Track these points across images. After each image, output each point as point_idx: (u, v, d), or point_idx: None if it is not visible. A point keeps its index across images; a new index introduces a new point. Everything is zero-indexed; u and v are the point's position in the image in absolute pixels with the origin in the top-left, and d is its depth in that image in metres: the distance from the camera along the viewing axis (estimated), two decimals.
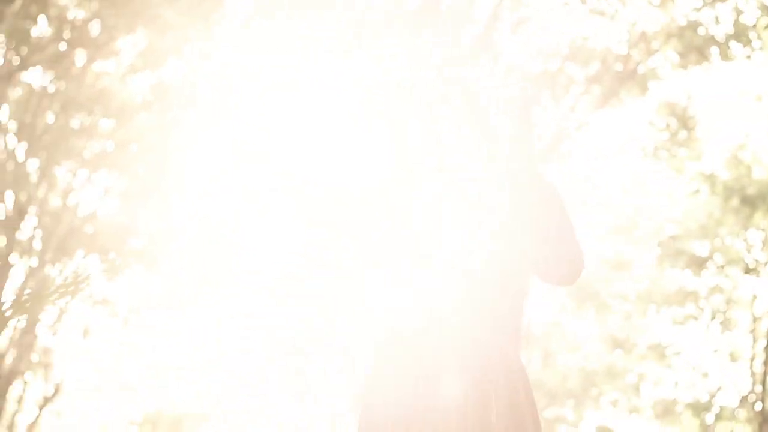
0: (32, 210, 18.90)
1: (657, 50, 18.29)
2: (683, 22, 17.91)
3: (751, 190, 21.15)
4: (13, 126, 18.44)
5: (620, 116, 20.81)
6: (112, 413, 31.12)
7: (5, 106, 18.35)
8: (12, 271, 18.67)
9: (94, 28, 16.88)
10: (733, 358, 23.90)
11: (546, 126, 19.06)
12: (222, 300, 25.41)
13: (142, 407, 31.52)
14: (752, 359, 23.24)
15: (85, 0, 16.81)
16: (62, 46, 16.84)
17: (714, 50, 17.90)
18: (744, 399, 23.32)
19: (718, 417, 23.87)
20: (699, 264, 22.83)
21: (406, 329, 3.41)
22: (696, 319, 24.22)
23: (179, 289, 24.62)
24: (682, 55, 18.21)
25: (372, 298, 3.54)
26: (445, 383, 3.28)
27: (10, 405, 21.67)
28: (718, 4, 17.72)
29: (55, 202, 19.87)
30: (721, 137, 21.51)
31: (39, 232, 19.31)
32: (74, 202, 19.78)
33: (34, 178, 18.70)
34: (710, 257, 22.78)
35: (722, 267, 22.90)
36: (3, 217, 18.62)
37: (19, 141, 18.30)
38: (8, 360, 19.58)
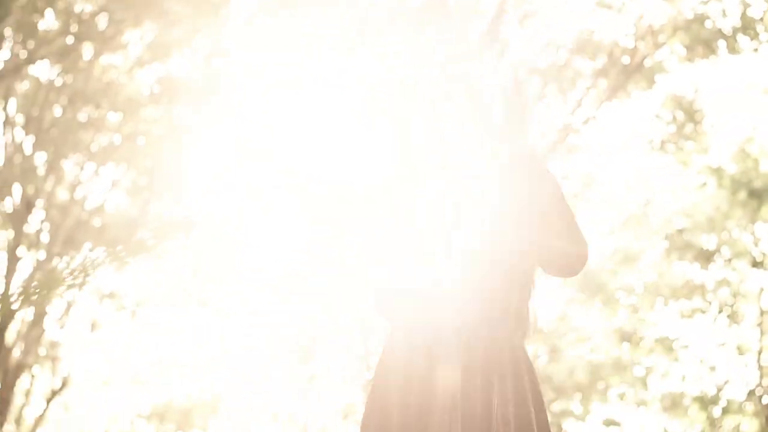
0: (40, 203, 18.93)
1: (664, 43, 18.27)
2: (690, 15, 17.88)
3: (758, 183, 21.13)
4: (20, 119, 18.47)
5: (627, 110, 20.77)
6: (120, 406, 31.14)
7: (12, 100, 18.37)
8: (20, 264, 18.71)
9: (102, 22, 16.90)
10: (741, 351, 23.86)
11: (553, 120, 19.06)
12: (227, 296, 25.44)
13: (150, 400, 31.55)
14: (760, 352, 23.23)
15: None
16: (69, 40, 16.86)
17: (721, 43, 17.86)
18: (751, 392, 23.30)
19: (725, 410, 23.86)
20: (706, 257, 22.80)
21: (411, 320, 3.43)
22: (703, 312, 24.19)
23: (185, 284, 24.67)
24: (689, 48, 18.18)
25: (376, 291, 3.56)
26: (449, 369, 3.29)
27: (18, 398, 21.72)
28: None
29: (62, 195, 19.89)
30: (729, 130, 21.49)
31: (46, 225, 19.34)
32: (82, 195, 19.81)
33: (41, 171, 18.72)
34: (717, 250, 22.76)
35: (730, 260, 22.88)
36: (10, 211, 18.66)
37: (26, 134, 18.32)
38: (16, 353, 19.61)
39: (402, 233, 3.52)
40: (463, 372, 3.28)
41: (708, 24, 17.82)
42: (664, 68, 18.77)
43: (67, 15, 16.66)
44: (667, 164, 22.11)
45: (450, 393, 3.26)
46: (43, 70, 18.46)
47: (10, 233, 18.90)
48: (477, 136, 3.56)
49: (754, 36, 17.66)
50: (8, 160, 18.20)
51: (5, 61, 16.59)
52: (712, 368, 24.43)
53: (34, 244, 19.19)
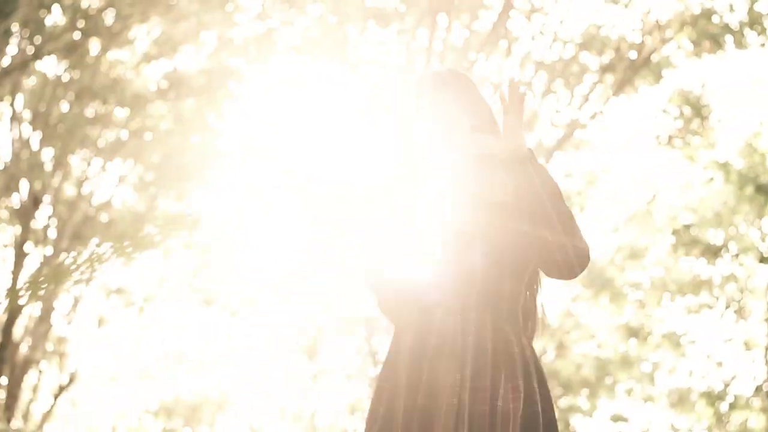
0: (47, 199, 18.96)
1: (671, 38, 18.25)
2: (697, 10, 17.86)
3: (765, 179, 21.10)
4: (27, 115, 18.49)
5: (634, 105, 20.76)
6: (128, 402, 31.20)
7: (20, 95, 18.40)
8: (27, 260, 18.74)
9: (109, 17, 16.91)
10: (748, 346, 23.85)
11: (560, 115, 19.05)
12: (234, 294, 25.49)
13: (157, 396, 31.60)
14: (767, 348, 23.21)
15: None
16: (76, 35, 16.87)
17: (728, 38, 17.84)
18: (759, 388, 23.29)
19: (732, 406, 23.85)
20: (713, 252, 22.79)
21: (415, 321, 3.44)
22: (710, 307, 24.18)
23: (192, 281, 24.71)
24: (696, 43, 18.16)
25: (377, 293, 3.57)
26: (456, 368, 3.30)
27: (25, 394, 21.75)
28: None
29: (69, 190, 19.93)
30: (736, 125, 21.47)
31: (54, 221, 19.37)
32: (89, 190, 19.84)
33: (48, 166, 18.75)
34: (725, 246, 22.73)
35: (737, 255, 22.86)
36: (18, 206, 18.69)
37: (33, 130, 18.35)
38: (23, 349, 19.65)
39: (401, 232, 3.53)
40: (471, 371, 3.28)
41: (715, 19, 17.79)
42: (671, 63, 18.76)
43: (74, 11, 16.67)
44: (674, 159, 22.10)
45: (457, 392, 3.26)
46: (50, 65, 18.49)
47: (18, 229, 18.93)
48: (478, 134, 3.57)
49: (761, 31, 17.64)
50: (15, 155, 18.23)
51: (12, 57, 16.61)
52: (720, 364, 24.42)
53: (41, 239, 19.22)
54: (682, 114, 20.45)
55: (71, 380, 23.18)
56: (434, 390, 3.30)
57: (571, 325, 26.23)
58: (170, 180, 19.73)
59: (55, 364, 23.75)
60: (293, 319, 26.73)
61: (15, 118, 18.27)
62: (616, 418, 27.44)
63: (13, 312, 17.87)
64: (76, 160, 19.65)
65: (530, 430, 3.27)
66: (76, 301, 21.61)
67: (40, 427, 22.96)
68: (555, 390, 26.23)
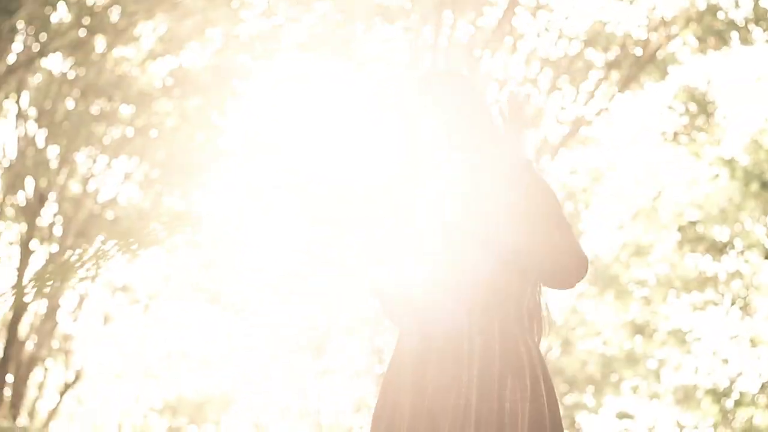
0: (52, 196, 18.98)
1: (676, 35, 18.24)
2: (703, 7, 17.85)
3: None
4: (33, 112, 18.50)
5: (639, 101, 20.76)
6: (133, 399, 31.24)
7: (25, 93, 18.41)
8: (32, 258, 18.75)
9: (114, 14, 16.91)
10: (754, 343, 23.84)
11: (565, 112, 19.05)
12: (239, 292, 25.49)
13: (163, 394, 31.63)
14: None
15: None
16: (82, 33, 16.88)
17: (733, 34, 17.83)
18: (764, 385, 23.27)
19: (737, 403, 23.83)
20: (719, 249, 22.77)
21: (419, 322, 3.44)
22: (716, 304, 24.17)
23: (197, 279, 24.73)
24: (701, 39, 18.15)
25: (381, 295, 3.57)
26: (462, 369, 3.30)
27: (31, 391, 21.78)
28: None
29: (75, 188, 19.94)
30: (741, 122, 21.44)
31: (59, 219, 19.39)
32: (94, 188, 19.85)
33: (54, 164, 18.76)
34: (730, 242, 22.72)
35: (742, 252, 22.84)
36: (23, 204, 18.71)
37: (39, 127, 18.36)
38: (29, 346, 19.67)
39: (402, 233, 3.53)
40: (479, 371, 3.28)
41: (720, 15, 17.78)
42: (676, 60, 18.75)
43: (79, 8, 16.67)
44: (680, 156, 22.08)
45: (464, 392, 3.26)
46: (55, 62, 18.50)
47: (23, 226, 18.95)
48: (479, 135, 3.57)
49: (767, 27, 17.62)
50: (21, 153, 18.24)
51: (18, 54, 16.61)
52: (725, 361, 24.41)
53: (46, 237, 19.24)
54: (687, 110, 20.43)
55: (77, 378, 23.21)
56: (441, 391, 3.30)
57: (576, 322, 26.23)
58: (175, 177, 19.72)
59: (60, 362, 23.78)
60: (298, 318, 26.72)
61: (20, 115, 18.28)
62: (622, 415, 27.44)
63: (19, 309, 17.89)
64: (81, 158, 19.66)
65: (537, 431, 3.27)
66: (82, 298, 21.64)
67: (46, 424, 22.99)
68: (560, 387, 26.23)
